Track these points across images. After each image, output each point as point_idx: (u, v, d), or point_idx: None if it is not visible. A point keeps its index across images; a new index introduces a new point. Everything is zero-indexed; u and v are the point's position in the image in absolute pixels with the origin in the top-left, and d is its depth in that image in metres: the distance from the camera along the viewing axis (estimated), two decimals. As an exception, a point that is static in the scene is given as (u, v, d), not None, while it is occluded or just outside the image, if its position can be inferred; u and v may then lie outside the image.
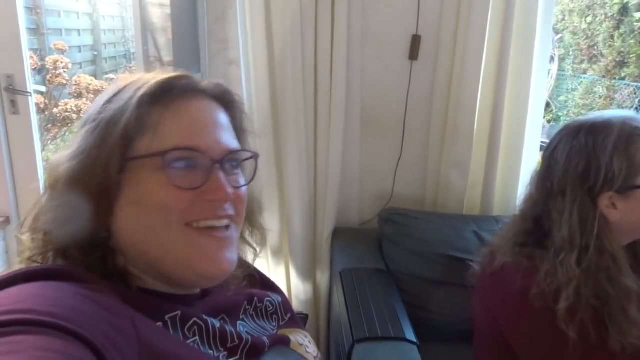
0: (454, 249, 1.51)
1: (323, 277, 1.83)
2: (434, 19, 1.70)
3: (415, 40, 1.72)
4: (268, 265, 1.88)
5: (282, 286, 1.89)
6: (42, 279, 0.47)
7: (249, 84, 1.67)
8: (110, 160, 0.53)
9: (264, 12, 1.59)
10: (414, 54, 1.74)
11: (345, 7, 1.59)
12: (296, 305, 1.87)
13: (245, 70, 1.67)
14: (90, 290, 0.47)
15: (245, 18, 1.61)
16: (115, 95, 0.58)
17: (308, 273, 1.84)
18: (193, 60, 1.81)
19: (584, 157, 0.86)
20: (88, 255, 0.55)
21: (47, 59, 3.16)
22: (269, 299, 0.76)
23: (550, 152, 0.92)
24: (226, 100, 0.64)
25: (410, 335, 1.23)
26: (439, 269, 1.51)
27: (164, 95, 0.57)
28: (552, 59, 3.83)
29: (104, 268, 0.55)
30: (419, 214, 1.64)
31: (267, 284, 0.81)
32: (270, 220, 1.79)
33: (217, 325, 0.59)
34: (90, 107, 0.60)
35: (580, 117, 0.90)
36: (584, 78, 4.08)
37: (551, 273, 0.85)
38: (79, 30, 4.08)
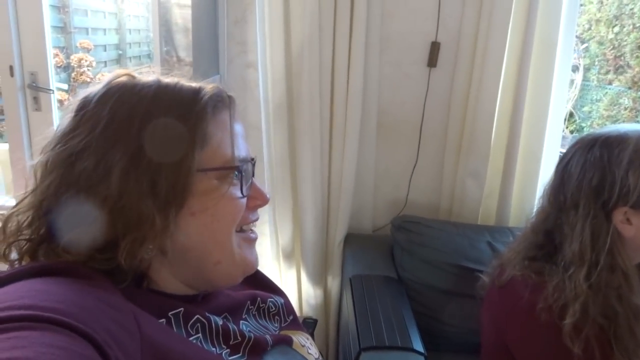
0: (466, 259, 1.49)
1: (334, 283, 1.82)
2: (454, 26, 1.69)
3: (434, 47, 1.71)
4: (279, 269, 1.88)
5: (293, 290, 1.89)
6: (46, 274, 0.48)
7: (265, 87, 1.68)
8: (180, 172, 0.53)
9: (282, 15, 1.59)
10: (432, 60, 1.72)
11: (364, 12, 1.58)
12: (306, 309, 1.87)
13: (263, 73, 1.67)
14: (93, 287, 0.48)
15: (264, 21, 1.61)
16: (146, 113, 0.54)
17: (319, 278, 1.84)
18: (212, 63, 1.82)
19: (598, 170, 0.84)
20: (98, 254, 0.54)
21: (72, 57, 3.22)
22: (272, 299, 0.77)
23: (563, 165, 0.90)
24: (234, 108, 0.65)
25: (418, 345, 1.21)
26: (451, 279, 1.48)
27: (217, 109, 0.58)
28: (576, 68, 3.76)
29: (109, 265, 0.54)
30: (432, 222, 1.62)
31: (270, 286, 0.81)
32: (283, 224, 1.79)
33: (220, 322, 0.59)
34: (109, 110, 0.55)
35: (595, 130, 0.88)
36: (610, 89, 3.99)
37: (559, 288, 0.83)
38: (104, 30, 4.15)
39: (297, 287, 1.89)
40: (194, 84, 0.59)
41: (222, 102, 0.59)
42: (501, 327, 0.94)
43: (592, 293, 0.81)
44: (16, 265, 0.54)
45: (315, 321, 1.61)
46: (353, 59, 1.63)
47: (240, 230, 0.61)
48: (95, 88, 0.57)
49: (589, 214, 0.83)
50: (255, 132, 1.81)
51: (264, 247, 1.94)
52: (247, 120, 1.85)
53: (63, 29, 3.59)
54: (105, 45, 4.14)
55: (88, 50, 3.46)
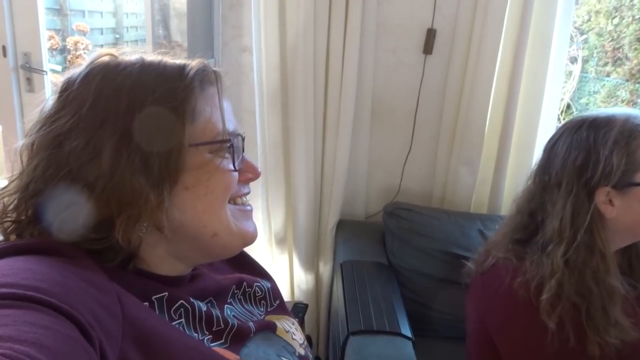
0: (457, 247, 1.49)
1: (325, 268, 1.83)
2: (451, 13, 1.68)
3: (430, 34, 1.70)
4: (272, 254, 1.88)
5: (285, 275, 1.90)
6: (29, 253, 0.47)
7: (260, 71, 1.67)
8: (172, 148, 0.53)
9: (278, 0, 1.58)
10: (428, 47, 1.71)
11: (360, -3, 1.57)
12: (298, 294, 1.88)
13: (257, 57, 1.66)
14: (77, 267, 0.47)
15: (260, 5, 1.60)
16: (132, 90, 0.54)
17: (311, 263, 1.84)
18: (207, 46, 1.81)
19: (583, 150, 0.84)
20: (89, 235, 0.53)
21: (67, 39, 3.20)
22: (258, 284, 0.77)
23: (551, 145, 0.91)
24: (221, 84, 0.64)
25: (406, 330, 1.22)
26: (441, 266, 1.49)
27: (205, 83, 0.58)
28: (575, 60, 3.75)
29: (101, 245, 0.54)
30: (424, 210, 1.62)
31: (257, 270, 0.81)
32: (276, 209, 1.80)
33: (204, 308, 0.59)
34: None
35: (585, 112, 0.89)
36: (607, 81, 3.98)
37: (536, 264, 0.84)
38: (101, 13, 4.12)
39: (289, 272, 1.89)
40: (178, 61, 0.58)
41: (208, 77, 0.58)
42: (482, 313, 0.95)
43: (568, 271, 0.81)
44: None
45: (305, 306, 1.63)
46: (348, 45, 1.62)
47: (234, 203, 0.62)
48: (78, 69, 0.56)
49: (571, 192, 0.84)
50: (249, 116, 1.80)
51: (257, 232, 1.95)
52: (242, 104, 1.84)
53: (59, 11, 3.56)
54: (102, 29, 4.11)
55: (84, 33, 3.43)
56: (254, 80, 1.70)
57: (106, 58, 0.57)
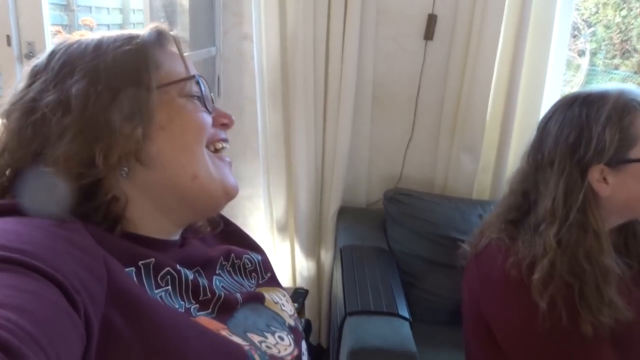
0: (457, 231, 1.49)
1: (327, 255, 1.83)
2: (451, -1, 1.67)
3: (431, 20, 1.70)
4: (273, 241, 1.89)
5: (287, 262, 1.90)
6: (15, 213, 0.47)
7: (260, 59, 1.68)
8: (140, 87, 0.55)
9: (277, -14, 1.59)
10: (429, 33, 1.71)
11: (360, -17, 1.57)
12: (299, 281, 1.88)
13: (258, 45, 1.67)
14: (63, 229, 0.47)
15: (260, -8, 1.60)
16: (95, 47, 0.56)
17: (312, 250, 1.85)
18: (208, 34, 1.82)
19: (576, 127, 0.82)
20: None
21: (73, 34, 3.23)
22: (248, 256, 0.76)
23: (544, 124, 0.89)
24: (181, 46, 0.66)
25: (404, 311, 1.22)
26: (440, 250, 1.49)
27: (162, 40, 0.61)
28: (583, 53, 3.73)
29: (81, 205, 0.54)
30: (424, 195, 1.62)
31: (247, 242, 0.80)
32: (277, 196, 1.80)
33: (191, 277, 0.59)
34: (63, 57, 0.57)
35: (578, 90, 0.87)
36: (616, 74, 3.94)
37: (528, 244, 0.82)
38: (108, 9, 4.15)
39: (291, 259, 1.90)
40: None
41: (164, 35, 0.61)
42: (476, 295, 0.93)
43: (561, 250, 0.79)
44: None
45: (306, 291, 1.62)
46: (348, 31, 1.62)
47: (214, 150, 0.63)
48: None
49: (564, 171, 0.82)
50: (250, 104, 1.81)
51: (259, 220, 1.95)
52: (243, 93, 1.85)
53: (66, 6, 3.59)
54: (108, 25, 4.14)
55: (91, 29, 3.46)
56: (255, 68, 1.70)
57: (67, 39, 0.60)
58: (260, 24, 1.64)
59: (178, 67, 0.60)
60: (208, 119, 0.61)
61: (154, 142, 0.56)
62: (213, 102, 0.64)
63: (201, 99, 0.60)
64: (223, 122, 0.64)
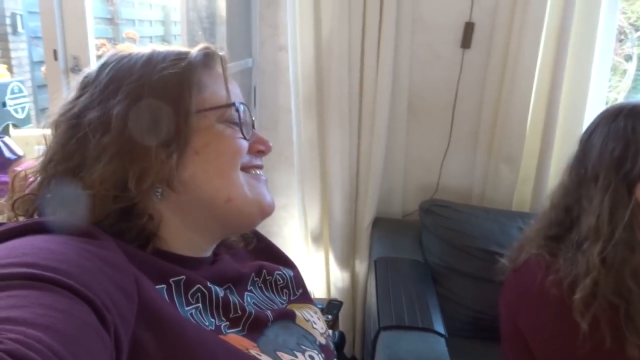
0: (495, 245, 1.44)
1: (361, 266, 1.81)
2: (489, 6, 1.64)
3: (469, 28, 1.67)
4: (307, 252, 1.89)
5: (321, 273, 1.89)
6: (50, 231, 0.48)
7: (295, 70, 1.69)
8: (179, 111, 0.56)
9: (312, -3, 1.60)
10: (466, 41, 1.68)
11: (395, -8, 1.56)
12: (334, 292, 1.87)
13: (293, 55, 1.68)
14: (95, 246, 0.47)
15: (295, 3, 1.61)
16: (143, 65, 0.58)
17: (347, 261, 1.83)
18: (245, 46, 1.85)
19: (621, 141, 0.78)
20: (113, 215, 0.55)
21: (116, 46, 3.34)
22: (280, 272, 0.76)
23: (587, 137, 0.85)
24: (227, 67, 0.66)
25: (439, 327, 1.19)
26: (478, 264, 1.45)
27: (210, 62, 0.61)
28: (630, 58, 3.58)
29: (116, 222, 0.55)
30: (461, 207, 1.58)
31: (280, 258, 0.80)
32: (311, 206, 1.80)
33: (221, 294, 0.59)
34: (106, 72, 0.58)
35: (623, 101, 0.83)
36: (664, 79, 3.75)
37: (571, 262, 0.79)
38: (150, 22, 4.28)
39: (325, 269, 1.89)
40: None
41: (212, 57, 0.61)
42: (513, 311, 0.91)
43: (605, 270, 0.76)
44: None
45: (340, 303, 1.61)
46: (383, 40, 1.61)
47: (247, 172, 0.62)
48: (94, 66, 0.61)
49: (609, 187, 0.78)
50: (285, 114, 1.82)
51: (293, 230, 1.95)
52: (278, 103, 1.86)
53: (111, 20, 3.71)
54: (151, 37, 4.27)
55: (134, 41, 3.57)
56: (290, 79, 1.71)
57: (118, 52, 0.61)
58: (296, 35, 1.65)
59: (221, 90, 0.60)
60: (244, 145, 0.61)
61: (187, 167, 0.56)
62: (254, 127, 0.64)
63: (239, 120, 0.60)
64: (259, 149, 0.64)
